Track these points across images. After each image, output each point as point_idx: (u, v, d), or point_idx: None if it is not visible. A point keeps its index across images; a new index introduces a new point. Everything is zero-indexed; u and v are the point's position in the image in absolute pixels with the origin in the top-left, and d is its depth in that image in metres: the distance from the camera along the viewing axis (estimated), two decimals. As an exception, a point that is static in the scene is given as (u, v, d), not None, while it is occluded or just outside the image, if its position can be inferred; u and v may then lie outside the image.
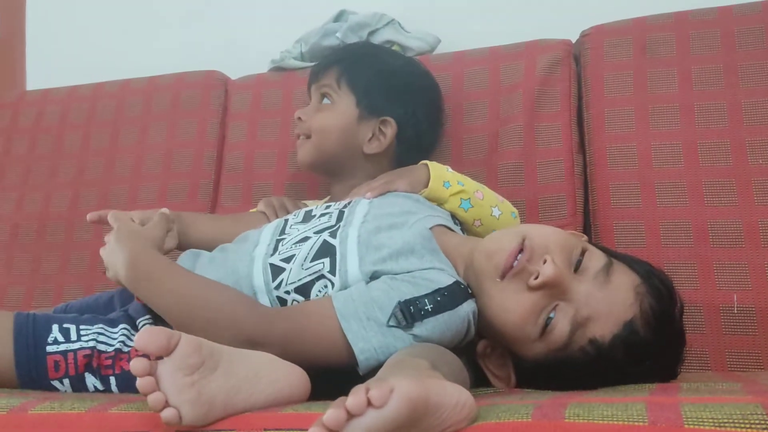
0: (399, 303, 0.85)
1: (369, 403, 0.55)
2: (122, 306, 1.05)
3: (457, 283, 0.90)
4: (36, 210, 1.61)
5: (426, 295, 0.86)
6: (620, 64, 1.35)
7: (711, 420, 0.57)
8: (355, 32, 1.57)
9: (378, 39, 1.57)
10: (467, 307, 0.89)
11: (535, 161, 1.34)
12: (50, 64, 1.91)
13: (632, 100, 1.32)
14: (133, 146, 1.60)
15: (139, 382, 0.65)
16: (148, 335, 0.65)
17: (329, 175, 1.32)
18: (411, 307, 0.85)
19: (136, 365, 0.64)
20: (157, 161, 1.58)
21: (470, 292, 0.91)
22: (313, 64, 1.48)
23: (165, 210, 1.10)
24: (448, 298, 0.87)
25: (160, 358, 0.66)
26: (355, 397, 0.55)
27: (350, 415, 0.55)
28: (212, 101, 1.59)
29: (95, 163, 1.61)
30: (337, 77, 1.28)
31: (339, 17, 1.63)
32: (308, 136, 1.29)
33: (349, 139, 1.26)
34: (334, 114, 1.27)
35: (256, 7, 1.77)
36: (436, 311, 0.86)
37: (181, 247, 1.12)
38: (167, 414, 0.64)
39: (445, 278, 0.90)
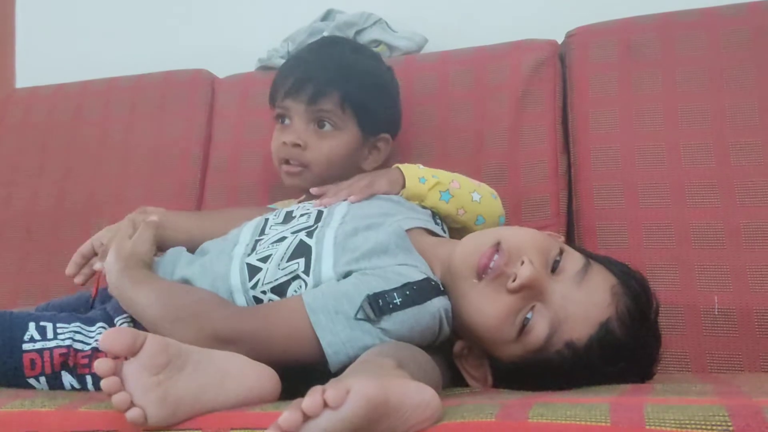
0: (368, 296, 0.85)
1: (325, 404, 0.55)
2: (102, 304, 1.05)
3: (427, 279, 0.90)
4: (22, 208, 1.60)
5: (395, 289, 0.86)
6: (605, 65, 1.35)
7: (673, 421, 0.57)
8: (342, 31, 1.57)
9: (365, 38, 1.58)
10: (437, 303, 0.88)
11: (519, 161, 1.34)
12: (40, 62, 1.91)
13: (617, 101, 1.32)
14: (119, 144, 1.60)
15: (104, 383, 0.65)
16: (112, 335, 0.66)
17: None
18: (380, 300, 0.84)
19: (100, 365, 0.64)
20: (143, 159, 1.57)
21: (442, 289, 0.91)
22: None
23: (153, 218, 1.08)
24: (417, 292, 0.87)
25: (125, 357, 0.66)
26: (311, 398, 0.55)
27: (306, 417, 0.55)
28: (199, 100, 1.59)
29: (82, 161, 1.61)
30: (341, 102, 1.19)
31: (326, 16, 1.64)
32: (305, 166, 1.21)
33: (352, 161, 1.23)
34: (341, 141, 1.21)
35: (244, 6, 1.77)
36: (404, 305, 0.85)
37: (164, 248, 1.12)
38: (132, 414, 0.64)
39: (415, 274, 0.89)
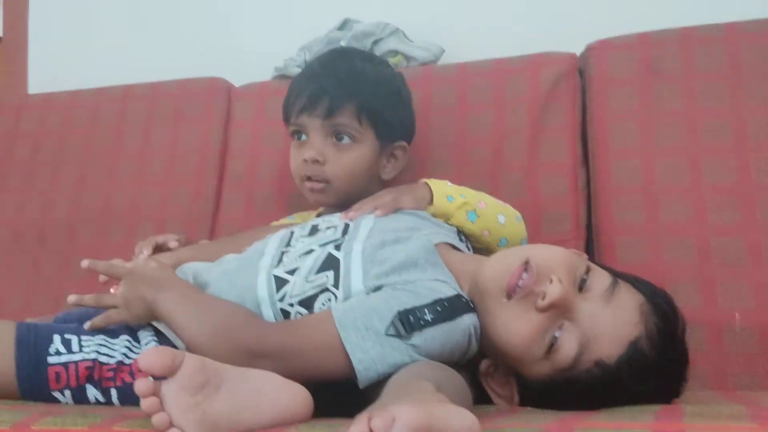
0: (398, 312, 0.84)
1: (371, 433, 0.55)
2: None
3: (458, 296, 0.90)
4: (37, 215, 1.60)
5: (426, 305, 0.86)
6: (625, 79, 1.35)
7: (716, 448, 0.57)
8: (359, 41, 1.57)
9: (382, 48, 1.57)
10: (468, 320, 0.88)
11: (538, 175, 1.34)
12: (52, 68, 1.90)
13: (637, 115, 1.32)
14: (135, 152, 1.60)
15: (144, 403, 0.64)
16: (151, 355, 0.65)
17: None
18: (410, 317, 0.84)
19: (140, 386, 0.64)
20: (159, 168, 1.57)
21: (472, 306, 0.91)
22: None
23: (143, 255, 1.09)
24: (448, 309, 0.87)
25: (164, 377, 0.66)
26: (358, 427, 0.55)
27: (354, 445, 0.55)
28: (215, 108, 1.59)
29: (97, 168, 1.60)
30: (357, 114, 1.18)
31: (343, 26, 1.64)
32: (327, 181, 1.20)
33: (372, 172, 1.23)
34: (360, 153, 1.20)
35: (261, 15, 1.77)
36: (435, 321, 0.85)
37: None
38: (172, 434, 0.64)
39: (447, 290, 0.89)
